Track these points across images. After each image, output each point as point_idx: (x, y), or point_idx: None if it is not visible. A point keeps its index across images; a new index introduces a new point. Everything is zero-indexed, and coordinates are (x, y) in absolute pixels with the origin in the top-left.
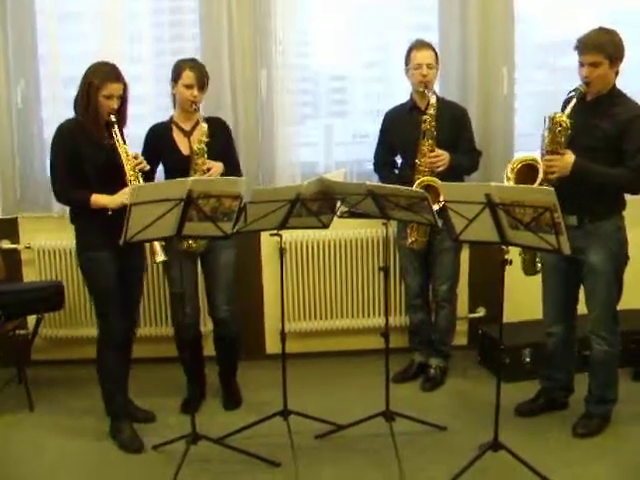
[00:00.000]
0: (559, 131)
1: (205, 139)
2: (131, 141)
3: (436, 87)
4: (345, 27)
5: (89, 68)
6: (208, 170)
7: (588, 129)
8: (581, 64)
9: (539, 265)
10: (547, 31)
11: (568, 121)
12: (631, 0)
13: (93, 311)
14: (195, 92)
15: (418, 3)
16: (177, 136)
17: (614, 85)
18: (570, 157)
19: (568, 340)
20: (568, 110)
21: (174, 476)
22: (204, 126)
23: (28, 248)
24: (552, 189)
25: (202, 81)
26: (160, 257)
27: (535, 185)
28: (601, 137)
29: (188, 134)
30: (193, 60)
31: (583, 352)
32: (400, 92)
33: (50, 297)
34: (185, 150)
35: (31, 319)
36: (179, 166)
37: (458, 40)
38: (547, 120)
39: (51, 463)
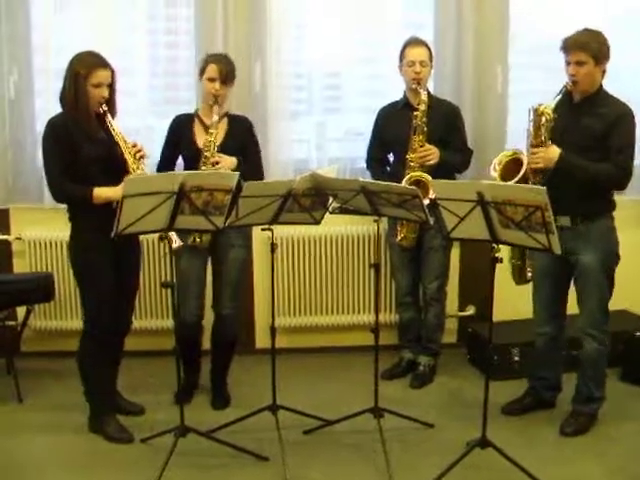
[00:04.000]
0: (542, 123)
1: (213, 131)
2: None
3: (430, 85)
4: (340, 23)
5: (73, 58)
6: (217, 163)
7: (577, 128)
8: (567, 63)
9: (529, 274)
10: (542, 31)
11: (552, 112)
12: (626, 1)
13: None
14: (217, 86)
15: (414, 1)
16: (197, 128)
17: (601, 85)
18: (555, 150)
19: (557, 340)
20: (553, 104)
21: (162, 469)
22: (215, 118)
23: (19, 239)
24: (543, 188)
25: (225, 75)
26: (177, 243)
27: (519, 176)
28: (590, 136)
29: (208, 128)
30: (221, 55)
31: (572, 352)
32: (394, 90)
33: (40, 288)
34: (201, 143)
35: (21, 310)
36: (193, 158)
37: (453, 38)
38: (531, 112)
39: (39, 455)
